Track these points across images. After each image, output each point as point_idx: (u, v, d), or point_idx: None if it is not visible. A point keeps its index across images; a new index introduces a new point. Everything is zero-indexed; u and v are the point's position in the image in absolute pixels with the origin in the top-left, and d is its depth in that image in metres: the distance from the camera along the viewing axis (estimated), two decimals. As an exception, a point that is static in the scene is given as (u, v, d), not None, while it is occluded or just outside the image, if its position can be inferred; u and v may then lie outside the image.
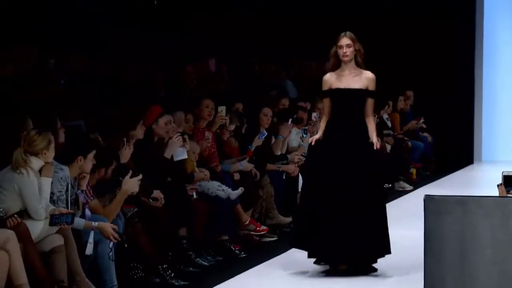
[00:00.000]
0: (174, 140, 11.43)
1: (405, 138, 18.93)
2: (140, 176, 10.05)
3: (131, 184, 9.93)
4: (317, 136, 10.79)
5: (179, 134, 11.69)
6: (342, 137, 10.67)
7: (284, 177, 14.62)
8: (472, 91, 21.53)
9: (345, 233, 10.43)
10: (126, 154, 10.67)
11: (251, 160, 13.50)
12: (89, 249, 9.32)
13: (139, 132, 11.08)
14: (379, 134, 18.03)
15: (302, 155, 14.60)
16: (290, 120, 14.87)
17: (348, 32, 10.71)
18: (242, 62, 20.86)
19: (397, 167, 17.99)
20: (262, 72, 20.41)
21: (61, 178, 9.45)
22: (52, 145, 9.26)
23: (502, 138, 21.09)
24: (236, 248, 12.35)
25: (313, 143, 10.77)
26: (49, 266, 8.86)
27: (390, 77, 20.24)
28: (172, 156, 11.54)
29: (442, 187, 16.77)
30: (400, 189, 17.38)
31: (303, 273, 11.01)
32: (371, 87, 10.86)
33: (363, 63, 10.88)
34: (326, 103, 10.80)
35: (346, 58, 10.55)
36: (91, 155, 9.78)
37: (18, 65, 12.61)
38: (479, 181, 16.79)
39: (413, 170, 18.58)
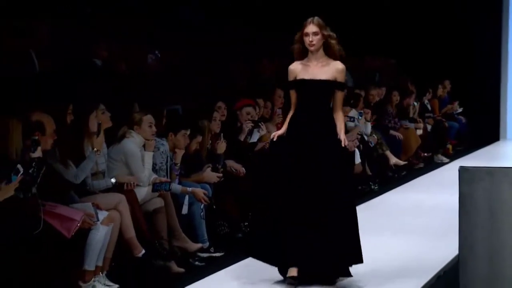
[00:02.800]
0: (246, 126, 11.65)
1: (443, 120, 18.87)
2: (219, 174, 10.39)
3: (209, 176, 10.16)
4: (280, 132, 8.37)
5: (250, 121, 11.79)
6: (306, 133, 8.12)
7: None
8: (499, 78, 21.29)
9: (310, 240, 7.97)
10: (221, 147, 10.82)
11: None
12: (184, 210, 9.57)
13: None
14: (421, 116, 18.20)
15: (358, 133, 14.62)
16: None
17: (316, 18, 8.18)
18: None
19: (436, 143, 17.97)
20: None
21: (162, 152, 9.67)
22: (153, 124, 9.45)
23: None
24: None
25: (274, 139, 8.28)
26: (152, 224, 9.12)
27: (430, 67, 20.16)
28: (246, 138, 11.65)
29: (474, 159, 16.61)
30: (439, 161, 17.28)
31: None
32: (340, 78, 8.21)
33: (338, 51, 8.24)
34: (292, 95, 8.25)
35: (312, 48, 8.02)
36: (181, 133, 9.92)
37: (129, 61, 12.77)
38: (504, 155, 16.63)
39: (450, 146, 18.50)
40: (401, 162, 15.88)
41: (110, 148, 9.22)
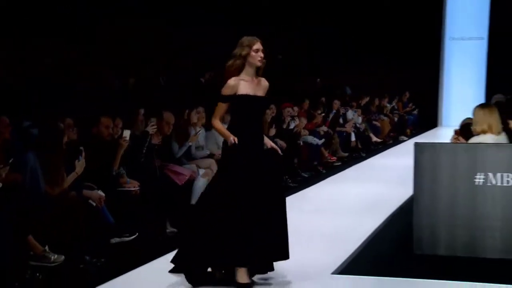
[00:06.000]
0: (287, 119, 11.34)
1: (404, 115, 18.65)
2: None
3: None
4: (234, 139, 5.16)
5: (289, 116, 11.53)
6: (250, 145, 5.26)
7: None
8: (437, 86, 20.87)
9: (250, 238, 5.22)
10: (271, 131, 10.37)
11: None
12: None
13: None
14: (391, 113, 18.10)
15: (353, 123, 14.55)
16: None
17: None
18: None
19: (400, 129, 17.77)
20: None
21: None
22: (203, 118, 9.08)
23: (455, 108, 19.97)
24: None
25: (236, 142, 5.16)
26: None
27: (395, 82, 19.77)
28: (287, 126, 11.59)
29: (423, 138, 16.33)
30: (402, 140, 17.05)
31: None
32: (267, 95, 5.52)
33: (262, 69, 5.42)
34: (223, 108, 5.31)
35: (260, 63, 5.26)
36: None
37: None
38: (440, 135, 16.35)
39: (408, 130, 18.24)
40: (379, 140, 15.80)
41: (207, 132, 9.02)
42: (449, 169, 6.27)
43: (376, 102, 17.40)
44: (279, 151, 5.47)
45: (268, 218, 5.21)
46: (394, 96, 18.85)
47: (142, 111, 8.15)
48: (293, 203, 8.86)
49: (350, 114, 14.90)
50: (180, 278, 5.40)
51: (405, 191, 8.02)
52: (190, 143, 8.36)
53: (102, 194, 6.37)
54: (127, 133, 6.96)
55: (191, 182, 7.92)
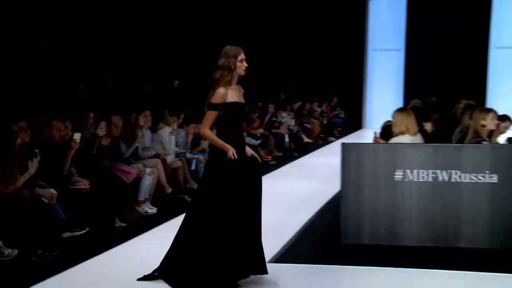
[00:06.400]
0: None
1: (332, 117, 18.84)
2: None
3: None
4: (234, 153, 4.80)
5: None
6: (239, 151, 4.89)
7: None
8: (361, 94, 21.17)
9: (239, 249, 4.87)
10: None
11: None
12: (193, 167, 9.34)
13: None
14: (321, 116, 18.25)
15: (287, 125, 14.62)
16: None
17: None
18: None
19: (329, 130, 17.93)
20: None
21: (181, 136, 9.47)
22: (175, 122, 9.26)
23: (377, 112, 20.21)
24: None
25: (236, 157, 4.81)
26: (175, 175, 8.87)
27: (325, 88, 19.92)
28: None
29: (349, 139, 16.41)
30: (330, 140, 17.17)
31: None
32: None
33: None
34: (213, 116, 4.89)
35: (244, 72, 4.99)
36: (192, 126, 9.72)
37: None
38: (364, 137, 16.54)
39: (336, 132, 18.45)
40: (310, 141, 15.88)
41: (153, 134, 8.97)
42: (372, 166, 6.37)
43: (307, 106, 17.52)
44: (259, 160, 5.18)
45: (250, 228, 4.95)
46: (324, 101, 19.01)
47: (92, 115, 8.04)
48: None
49: (284, 117, 14.95)
50: (127, 268, 5.33)
51: (333, 186, 8.10)
52: (137, 144, 8.29)
53: (54, 192, 6.26)
54: (77, 136, 6.88)
55: (138, 180, 7.85)
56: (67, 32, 11.36)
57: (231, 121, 4.98)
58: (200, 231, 4.89)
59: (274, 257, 5.89)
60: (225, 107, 4.92)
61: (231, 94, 4.94)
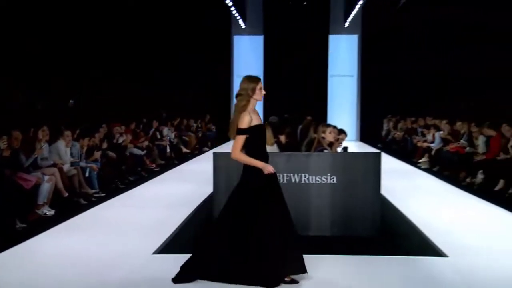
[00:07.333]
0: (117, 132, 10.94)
1: (206, 132, 18.79)
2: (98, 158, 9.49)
3: (98, 157, 9.55)
4: (273, 169, 4.64)
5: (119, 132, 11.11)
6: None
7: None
8: (230, 106, 21.10)
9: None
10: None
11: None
12: (87, 174, 8.93)
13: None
14: (197, 131, 18.17)
15: (167, 137, 14.40)
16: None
17: None
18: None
19: (203, 143, 17.86)
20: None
21: (75, 148, 9.05)
22: (70, 136, 8.84)
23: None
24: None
25: (272, 172, 4.63)
26: (71, 181, 8.45)
27: (199, 107, 19.87)
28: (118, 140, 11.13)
29: (219, 150, 16.60)
30: (204, 151, 17.13)
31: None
32: None
33: None
34: (242, 140, 4.59)
35: (261, 99, 4.75)
36: (85, 140, 9.37)
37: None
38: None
39: (209, 143, 18.36)
40: (188, 151, 15.63)
41: (51, 146, 8.50)
42: (238, 171, 6.31)
43: (185, 122, 17.40)
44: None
45: (292, 231, 4.63)
46: (198, 118, 18.95)
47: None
48: (122, 200, 8.67)
49: (165, 131, 14.76)
50: (27, 264, 4.98)
51: (207, 188, 8.03)
52: (36, 155, 7.83)
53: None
54: None
55: (37, 186, 7.41)
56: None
57: (257, 141, 4.72)
58: (254, 238, 4.50)
59: (158, 248, 5.76)
60: (252, 130, 4.64)
61: (254, 118, 4.67)
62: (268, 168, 4.61)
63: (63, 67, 12.47)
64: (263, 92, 4.75)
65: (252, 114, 4.68)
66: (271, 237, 4.48)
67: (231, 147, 4.67)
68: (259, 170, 4.62)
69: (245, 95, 4.67)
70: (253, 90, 4.68)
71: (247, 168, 4.71)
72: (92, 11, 12.99)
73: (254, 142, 4.69)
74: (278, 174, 6.16)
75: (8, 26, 10.34)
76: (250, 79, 4.72)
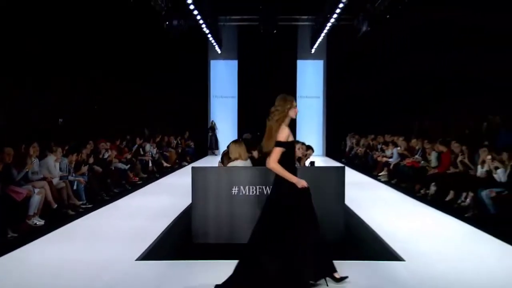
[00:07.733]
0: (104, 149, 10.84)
1: (186, 148, 18.72)
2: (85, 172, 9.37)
3: (85, 171, 9.45)
4: (307, 184, 4.51)
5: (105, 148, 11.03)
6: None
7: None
8: (207, 121, 21.24)
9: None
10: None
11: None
12: (74, 187, 8.82)
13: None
14: (177, 147, 18.05)
15: (149, 153, 14.28)
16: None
17: None
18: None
19: (183, 158, 17.79)
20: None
21: (64, 163, 8.96)
22: (59, 151, 8.76)
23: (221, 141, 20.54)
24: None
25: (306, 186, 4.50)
26: (60, 194, 8.33)
27: (177, 122, 19.78)
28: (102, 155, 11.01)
29: (199, 164, 16.53)
30: (183, 165, 17.06)
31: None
32: None
33: None
34: (280, 152, 4.45)
35: (295, 117, 4.65)
36: (74, 155, 9.29)
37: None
38: (210, 162, 16.66)
39: (188, 158, 18.27)
40: (168, 165, 15.53)
41: (41, 161, 8.41)
42: (215, 183, 6.39)
43: (166, 139, 17.32)
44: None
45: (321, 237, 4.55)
46: (178, 135, 18.89)
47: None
48: (107, 211, 8.59)
49: (148, 147, 14.68)
50: (19, 270, 4.91)
51: (186, 200, 8.01)
52: (27, 169, 7.73)
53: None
54: None
55: (28, 198, 7.30)
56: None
57: (290, 156, 4.55)
58: (291, 244, 4.36)
59: (140, 256, 5.73)
60: (288, 145, 4.51)
61: (291, 133, 4.56)
62: (302, 183, 4.46)
63: (63, 67, 12.16)
64: (297, 110, 4.64)
65: (289, 130, 4.55)
66: (303, 253, 4.32)
67: (268, 157, 4.47)
68: (292, 185, 4.44)
69: (281, 111, 4.56)
70: (290, 108, 4.56)
71: (280, 181, 4.51)
72: (92, 11, 12.68)
73: (287, 157, 4.52)
74: (251, 187, 6.30)
75: (8, 26, 9.95)
76: (287, 98, 4.61)
